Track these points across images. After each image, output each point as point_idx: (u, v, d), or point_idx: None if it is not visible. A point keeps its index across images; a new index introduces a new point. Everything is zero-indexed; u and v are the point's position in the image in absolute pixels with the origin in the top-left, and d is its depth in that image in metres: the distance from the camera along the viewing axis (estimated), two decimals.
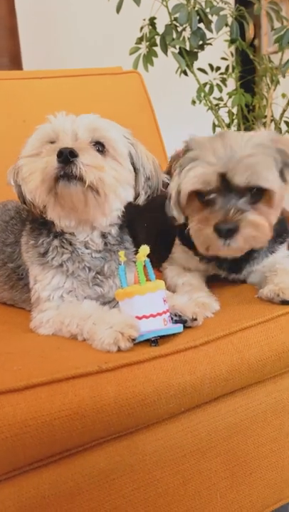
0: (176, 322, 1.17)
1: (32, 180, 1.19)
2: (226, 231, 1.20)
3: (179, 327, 1.14)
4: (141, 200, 1.31)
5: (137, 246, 1.71)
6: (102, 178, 1.17)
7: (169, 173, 1.38)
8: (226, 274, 1.44)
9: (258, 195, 1.23)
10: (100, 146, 1.21)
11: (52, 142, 1.20)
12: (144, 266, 1.15)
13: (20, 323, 1.32)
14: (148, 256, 1.16)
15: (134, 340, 1.07)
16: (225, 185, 1.21)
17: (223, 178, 1.21)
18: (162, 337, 1.11)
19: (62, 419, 0.95)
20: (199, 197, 1.27)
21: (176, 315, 1.17)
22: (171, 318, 1.16)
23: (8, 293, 1.44)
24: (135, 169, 1.28)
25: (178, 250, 1.51)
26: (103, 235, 1.30)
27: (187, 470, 1.12)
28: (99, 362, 1.02)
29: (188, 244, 1.39)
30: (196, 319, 1.17)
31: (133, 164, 1.27)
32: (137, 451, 1.06)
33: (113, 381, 1.00)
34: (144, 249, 1.15)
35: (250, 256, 1.37)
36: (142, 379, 1.02)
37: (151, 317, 1.11)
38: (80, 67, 4.00)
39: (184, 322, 1.17)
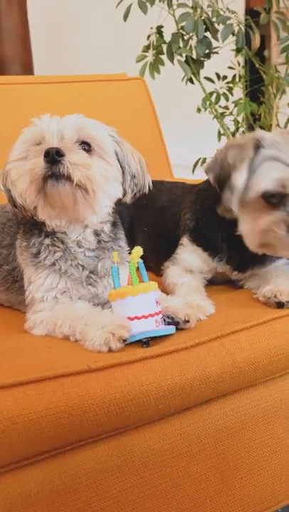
0: (168, 324, 1.17)
1: (21, 183, 1.20)
2: None
3: (171, 329, 1.14)
4: (128, 198, 1.31)
5: None
6: (89, 176, 1.17)
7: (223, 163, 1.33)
8: (231, 271, 1.45)
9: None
10: (86, 146, 1.22)
11: (38, 144, 1.21)
12: (137, 267, 1.15)
13: (15, 324, 1.32)
14: (141, 257, 1.17)
15: (125, 341, 1.08)
16: None
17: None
18: (154, 338, 1.11)
19: (49, 417, 0.95)
20: (267, 197, 1.27)
21: (168, 317, 1.17)
22: (164, 320, 1.16)
23: (4, 295, 1.45)
24: (121, 167, 1.28)
25: (185, 250, 1.52)
26: (96, 233, 1.30)
27: (176, 472, 1.12)
28: (89, 361, 1.02)
29: (202, 241, 1.45)
30: (188, 321, 1.17)
31: (119, 162, 1.28)
32: (126, 452, 1.06)
33: (102, 380, 1.00)
34: (138, 251, 1.15)
35: (261, 256, 1.39)
36: (131, 379, 1.02)
37: (143, 318, 1.11)
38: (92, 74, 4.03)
39: (176, 324, 1.17)
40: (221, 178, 1.31)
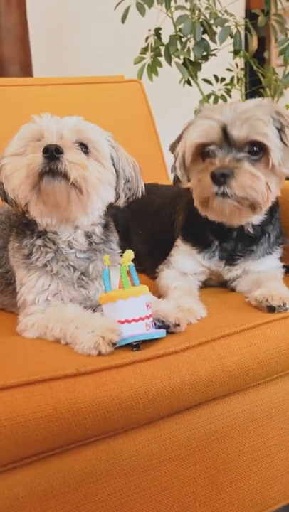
0: (159, 327, 1.17)
1: (15, 177, 1.21)
2: (221, 175, 1.25)
3: (162, 332, 1.15)
4: (121, 202, 1.33)
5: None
6: (85, 177, 1.18)
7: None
8: (223, 267, 1.46)
9: (258, 154, 1.29)
10: (83, 147, 1.23)
11: (36, 141, 1.21)
12: (128, 271, 1.15)
13: (8, 326, 1.32)
14: (136, 260, 1.17)
15: (114, 344, 1.08)
16: (226, 138, 1.28)
17: (224, 132, 1.29)
18: (144, 342, 1.11)
19: (37, 420, 0.95)
20: (202, 154, 1.34)
21: (159, 320, 1.17)
22: (154, 323, 1.16)
23: None
24: (116, 171, 1.30)
25: (178, 250, 1.53)
26: (87, 235, 1.31)
27: (165, 476, 1.12)
28: (78, 365, 1.02)
29: (193, 238, 1.48)
30: (178, 325, 1.17)
31: (114, 166, 1.29)
32: (114, 455, 1.06)
33: (91, 384, 1.01)
34: (129, 254, 1.15)
35: (249, 246, 1.44)
36: (120, 383, 1.03)
37: (133, 321, 1.11)
38: (89, 75, 4.03)
39: (166, 327, 1.17)
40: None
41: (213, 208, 1.32)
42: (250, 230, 1.43)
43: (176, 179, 1.44)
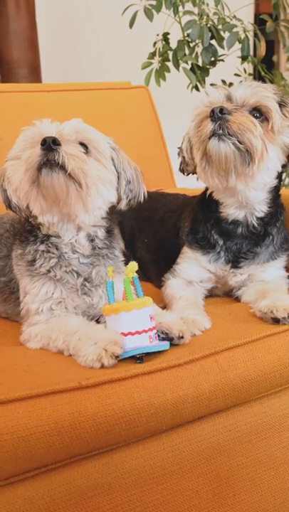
0: (162, 339, 1.16)
1: (15, 175, 1.22)
2: (220, 110, 1.26)
3: (165, 344, 1.14)
4: (123, 205, 1.33)
5: (137, 261, 1.74)
6: (84, 170, 1.19)
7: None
8: (229, 269, 1.46)
9: (258, 118, 1.32)
10: (83, 148, 1.23)
11: (36, 141, 1.21)
12: (132, 282, 1.15)
13: (12, 336, 1.33)
14: (142, 268, 1.18)
15: (117, 357, 1.07)
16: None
17: (229, 99, 1.33)
18: (147, 354, 1.11)
19: (39, 434, 0.95)
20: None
21: (162, 332, 1.17)
22: (158, 336, 1.16)
23: (1, 306, 1.45)
24: (117, 172, 1.31)
25: (184, 257, 1.53)
26: (90, 238, 1.31)
27: (167, 490, 1.11)
28: (81, 378, 1.02)
29: (198, 241, 1.48)
30: (182, 337, 1.17)
31: (115, 167, 1.30)
32: (116, 469, 1.06)
33: (93, 397, 1.00)
34: (132, 266, 1.15)
35: (254, 247, 1.44)
36: (122, 396, 1.02)
37: (136, 334, 1.11)
38: (97, 79, 4.05)
39: (170, 339, 1.16)
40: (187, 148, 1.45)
41: (210, 151, 1.31)
42: (255, 222, 1.43)
43: (183, 162, 1.47)
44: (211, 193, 1.45)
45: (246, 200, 1.39)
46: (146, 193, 1.36)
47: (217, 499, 1.17)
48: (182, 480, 1.13)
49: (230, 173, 1.32)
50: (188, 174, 1.49)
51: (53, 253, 1.27)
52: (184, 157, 1.46)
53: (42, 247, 1.28)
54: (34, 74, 4.16)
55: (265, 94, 1.32)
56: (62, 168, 1.17)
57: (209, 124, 1.28)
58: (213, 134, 1.28)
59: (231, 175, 1.32)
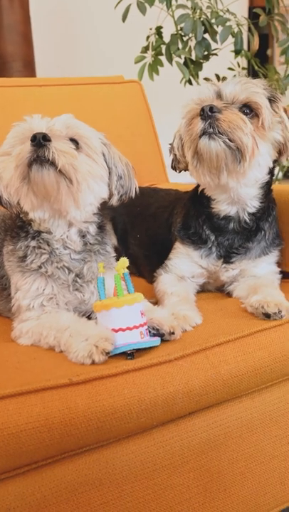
0: (153, 335, 1.17)
1: (6, 171, 1.21)
2: (210, 109, 1.26)
3: (156, 340, 1.14)
4: (114, 200, 1.33)
5: (130, 257, 1.74)
6: (74, 166, 1.19)
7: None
8: (221, 264, 1.46)
9: (248, 115, 1.32)
10: (74, 144, 1.23)
11: (26, 136, 1.21)
12: (123, 278, 1.15)
13: (2, 332, 1.33)
14: (134, 264, 1.18)
15: (108, 353, 1.07)
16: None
17: (219, 96, 1.33)
18: (138, 350, 1.11)
19: (29, 431, 0.95)
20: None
21: (153, 328, 1.17)
22: (149, 331, 1.16)
23: None
24: (108, 168, 1.30)
25: (176, 253, 1.53)
26: (82, 234, 1.31)
27: (158, 485, 1.12)
28: (71, 374, 1.02)
29: (190, 236, 1.48)
30: (173, 333, 1.17)
31: (106, 163, 1.30)
32: (107, 464, 1.06)
33: (83, 394, 1.01)
34: (123, 261, 1.15)
35: (246, 242, 1.44)
36: (113, 393, 1.02)
37: (127, 330, 1.11)
38: (91, 72, 4.03)
39: (161, 335, 1.17)
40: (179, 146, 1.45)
41: (201, 150, 1.30)
42: (247, 218, 1.43)
43: (175, 159, 1.47)
44: (202, 190, 1.45)
45: (238, 196, 1.39)
46: (137, 189, 1.36)
47: (208, 493, 1.18)
48: (173, 475, 1.14)
49: (221, 171, 1.32)
50: (180, 171, 1.49)
51: (44, 249, 1.27)
52: (175, 155, 1.46)
53: (33, 243, 1.28)
54: (28, 68, 4.14)
55: (255, 90, 1.32)
56: (53, 164, 1.16)
57: (199, 122, 1.28)
58: (204, 132, 1.28)
59: (223, 173, 1.32)
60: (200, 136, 1.29)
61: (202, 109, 1.27)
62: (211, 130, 1.27)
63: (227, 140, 1.27)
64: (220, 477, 1.19)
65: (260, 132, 1.32)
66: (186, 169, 1.45)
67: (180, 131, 1.41)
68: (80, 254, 1.30)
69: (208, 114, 1.27)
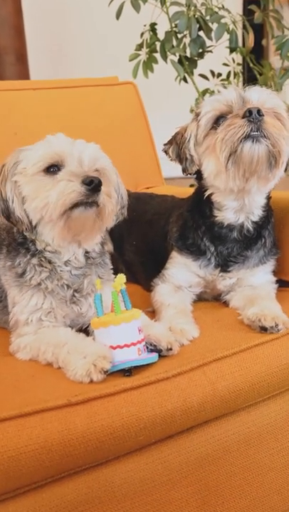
0: (151, 351, 1.17)
1: (42, 200, 1.19)
2: (258, 111, 1.25)
3: (154, 357, 1.15)
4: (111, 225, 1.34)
5: (126, 263, 1.74)
6: (107, 205, 1.22)
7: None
8: (218, 273, 1.46)
9: None
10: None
11: (54, 164, 1.20)
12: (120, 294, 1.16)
13: (1, 345, 1.32)
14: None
15: (106, 372, 1.08)
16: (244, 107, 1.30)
17: (244, 101, 1.32)
18: (136, 367, 1.12)
19: (29, 453, 0.96)
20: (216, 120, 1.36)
21: (151, 344, 1.17)
22: (147, 347, 1.16)
23: None
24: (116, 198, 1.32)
25: (173, 263, 1.53)
26: (86, 252, 1.31)
27: (158, 500, 1.13)
28: (70, 394, 1.03)
29: (188, 247, 1.48)
30: (171, 349, 1.17)
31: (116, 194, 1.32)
32: (106, 482, 1.07)
33: (82, 414, 1.01)
34: (120, 278, 1.15)
35: (245, 251, 1.44)
36: (111, 412, 1.03)
37: (125, 347, 1.12)
38: (84, 67, 4.00)
39: (159, 351, 1.17)
40: (177, 150, 1.44)
41: (243, 153, 1.28)
42: (250, 226, 1.43)
43: (190, 161, 1.42)
44: (208, 196, 1.44)
45: (249, 204, 1.40)
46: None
47: (206, 507, 1.19)
48: (172, 490, 1.15)
49: (254, 175, 1.31)
50: (189, 174, 1.46)
51: (46, 267, 1.27)
52: (191, 156, 1.42)
53: (34, 261, 1.27)
54: (21, 61, 4.11)
55: (278, 101, 1.34)
56: (97, 204, 1.19)
57: (246, 124, 1.26)
58: (248, 135, 1.26)
59: (254, 177, 1.32)
60: (244, 138, 1.27)
61: (249, 111, 1.25)
62: (258, 133, 1.26)
63: (270, 145, 1.27)
64: (218, 490, 1.20)
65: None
66: (196, 172, 1.44)
67: (193, 131, 1.40)
68: (81, 269, 1.30)
69: (256, 116, 1.25)
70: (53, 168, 1.20)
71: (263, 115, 1.27)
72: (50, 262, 1.27)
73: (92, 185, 1.16)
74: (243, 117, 1.27)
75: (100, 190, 1.17)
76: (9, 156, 1.26)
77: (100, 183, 1.17)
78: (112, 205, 1.26)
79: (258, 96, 1.33)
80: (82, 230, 1.24)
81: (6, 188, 1.23)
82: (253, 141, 1.27)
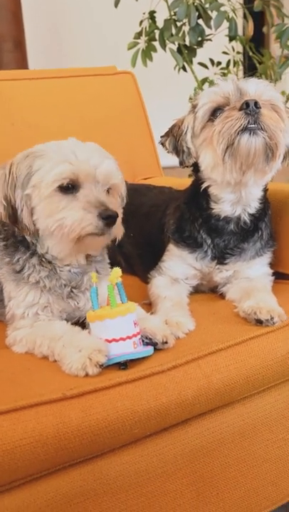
0: (146, 344, 1.17)
1: (56, 221, 1.19)
2: (255, 103, 1.25)
3: (150, 350, 1.15)
4: None
5: (123, 255, 1.74)
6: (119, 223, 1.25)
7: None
8: (215, 266, 1.46)
9: None
10: (108, 189, 1.27)
11: (70, 183, 1.20)
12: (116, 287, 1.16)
13: None
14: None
15: (102, 365, 1.08)
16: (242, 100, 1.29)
17: (241, 93, 1.32)
18: (132, 360, 1.12)
19: (24, 447, 0.96)
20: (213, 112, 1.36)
21: (146, 337, 1.18)
22: (142, 341, 1.17)
23: None
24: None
25: (170, 255, 1.53)
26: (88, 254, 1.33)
27: (152, 492, 1.14)
28: (65, 387, 1.03)
29: (185, 240, 1.48)
30: (166, 342, 1.18)
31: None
32: (101, 475, 1.08)
33: (77, 408, 1.02)
34: (116, 272, 1.15)
35: (241, 243, 1.44)
36: (106, 406, 1.04)
37: (121, 340, 1.12)
38: (82, 54, 3.97)
39: (154, 344, 1.17)
40: (174, 142, 1.44)
41: (240, 146, 1.27)
42: (247, 218, 1.43)
43: (187, 153, 1.42)
44: (204, 189, 1.43)
45: (246, 196, 1.40)
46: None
47: (201, 498, 1.20)
48: (166, 482, 1.16)
49: (251, 168, 1.31)
50: (186, 166, 1.46)
51: (46, 267, 1.27)
52: (188, 148, 1.41)
53: (34, 260, 1.27)
54: (18, 48, 4.09)
55: (275, 93, 1.34)
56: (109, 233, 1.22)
57: (243, 116, 1.26)
58: (245, 127, 1.26)
59: (251, 170, 1.32)
60: (241, 131, 1.27)
61: (246, 104, 1.25)
62: (255, 126, 1.26)
63: (267, 137, 1.27)
64: (213, 482, 1.21)
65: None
66: (193, 164, 1.44)
67: (190, 123, 1.40)
68: (81, 267, 1.31)
69: (253, 109, 1.25)
70: (68, 187, 1.20)
71: (260, 107, 1.26)
72: (50, 263, 1.28)
73: (109, 220, 1.18)
74: (240, 110, 1.27)
75: (116, 223, 1.20)
76: (19, 156, 1.24)
77: (116, 218, 1.19)
78: (120, 219, 1.26)
79: (255, 88, 1.33)
80: (90, 250, 1.29)
81: (16, 196, 1.21)
82: (250, 133, 1.27)
